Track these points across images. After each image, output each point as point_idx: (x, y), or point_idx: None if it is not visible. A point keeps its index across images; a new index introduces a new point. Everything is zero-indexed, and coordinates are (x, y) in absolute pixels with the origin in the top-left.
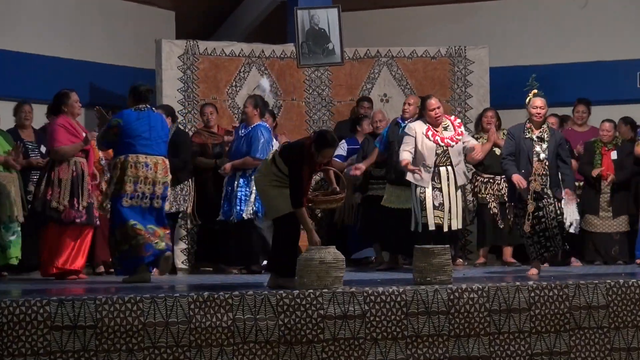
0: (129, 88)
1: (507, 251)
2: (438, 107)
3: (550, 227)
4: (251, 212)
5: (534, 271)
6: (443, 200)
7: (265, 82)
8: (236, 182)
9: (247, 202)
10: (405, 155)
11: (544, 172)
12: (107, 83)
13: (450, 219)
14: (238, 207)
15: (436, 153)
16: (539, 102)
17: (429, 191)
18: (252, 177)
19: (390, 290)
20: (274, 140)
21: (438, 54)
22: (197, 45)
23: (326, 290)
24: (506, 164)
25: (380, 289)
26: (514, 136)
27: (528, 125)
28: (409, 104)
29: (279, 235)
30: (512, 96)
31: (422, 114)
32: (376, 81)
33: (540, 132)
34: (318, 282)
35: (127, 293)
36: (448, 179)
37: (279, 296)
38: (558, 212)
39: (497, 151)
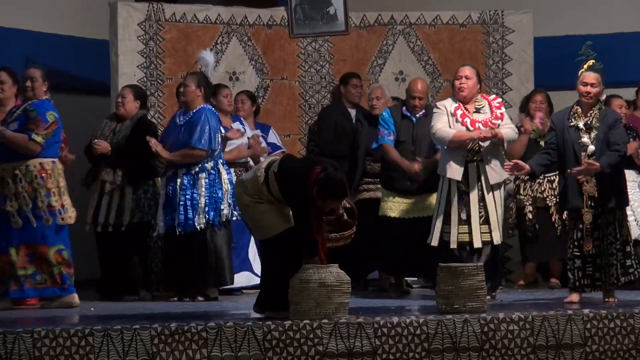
0: (43, 72)
1: (554, 270)
2: (466, 77)
3: (606, 253)
4: (204, 221)
5: (574, 297)
6: (470, 210)
7: (208, 55)
8: (179, 182)
9: (197, 208)
10: (448, 129)
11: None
12: (48, 57)
13: (490, 231)
14: (182, 216)
15: None
16: (590, 77)
17: (455, 196)
18: (199, 175)
19: (408, 320)
20: (252, 131)
21: (468, 20)
22: (162, 10)
23: (326, 320)
24: (537, 155)
25: (395, 319)
26: (555, 125)
27: (575, 108)
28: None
29: (272, 260)
30: (561, 75)
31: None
32: (390, 55)
33: (589, 117)
34: (316, 310)
35: (73, 325)
36: (479, 179)
37: (266, 328)
38: (618, 234)
39: (542, 143)
